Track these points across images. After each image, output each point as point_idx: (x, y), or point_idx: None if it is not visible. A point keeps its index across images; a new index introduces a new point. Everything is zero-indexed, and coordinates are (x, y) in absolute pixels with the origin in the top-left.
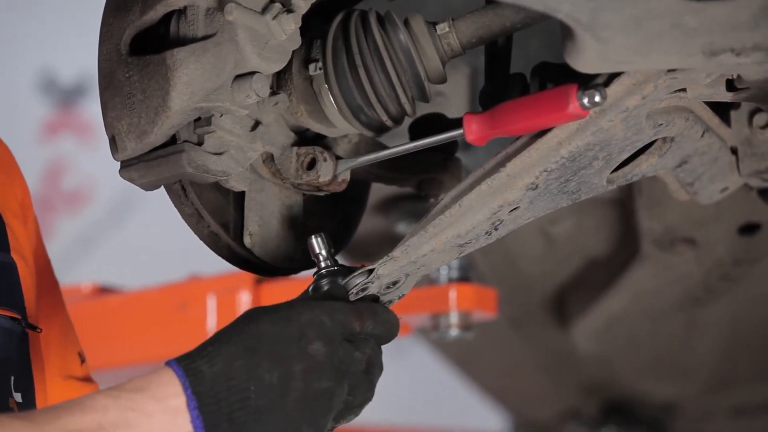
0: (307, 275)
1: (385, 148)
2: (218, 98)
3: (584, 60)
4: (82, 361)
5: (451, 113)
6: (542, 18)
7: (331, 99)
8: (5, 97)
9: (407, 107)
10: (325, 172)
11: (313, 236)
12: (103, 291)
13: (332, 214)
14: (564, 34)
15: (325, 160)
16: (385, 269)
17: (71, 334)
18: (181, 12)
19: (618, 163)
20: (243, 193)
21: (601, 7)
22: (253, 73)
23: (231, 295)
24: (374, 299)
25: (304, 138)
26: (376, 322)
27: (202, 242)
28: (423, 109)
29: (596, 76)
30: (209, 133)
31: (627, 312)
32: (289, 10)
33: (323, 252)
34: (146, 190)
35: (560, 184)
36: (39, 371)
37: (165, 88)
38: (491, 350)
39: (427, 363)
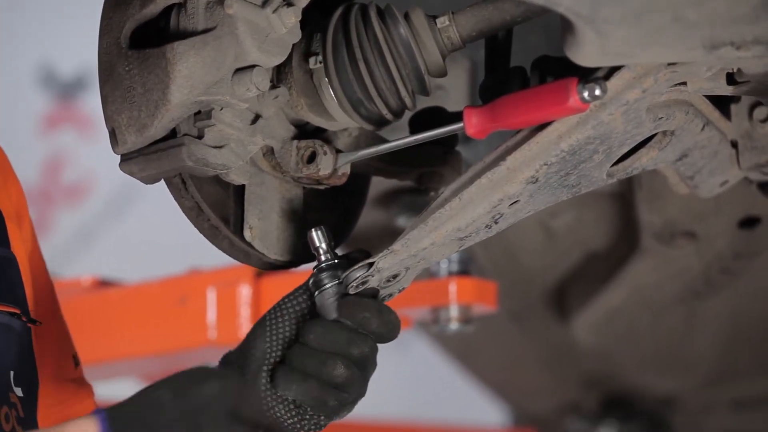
0: (308, 269)
1: (385, 141)
2: (218, 91)
3: (584, 53)
4: (77, 364)
5: (451, 107)
6: (542, 11)
7: (331, 92)
8: (5, 91)
9: (407, 101)
10: (325, 165)
11: (313, 229)
12: (103, 284)
13: (332, 207)
14: (564, 27)
15: (325, 153)
16: (385, 262)
17: (66, 338)
18: (181, 5)
19: (618, 157)
20: (243, 186)
21: (602, 0)
22: (253, 66)
23: (231, 289)
24: (374, 293)
25: (304, 131)
26: (380, 322)
27: (202, 236)
28: (423, 102)
29: (596, 69)
30: (209, 126)
31: (627, 305)
32: (289, 4)
33: (323, 245)
34: (146, 183)
35: (560, 177)
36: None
37: (165, 81)
38: (491, 344)
39: (427, 356)
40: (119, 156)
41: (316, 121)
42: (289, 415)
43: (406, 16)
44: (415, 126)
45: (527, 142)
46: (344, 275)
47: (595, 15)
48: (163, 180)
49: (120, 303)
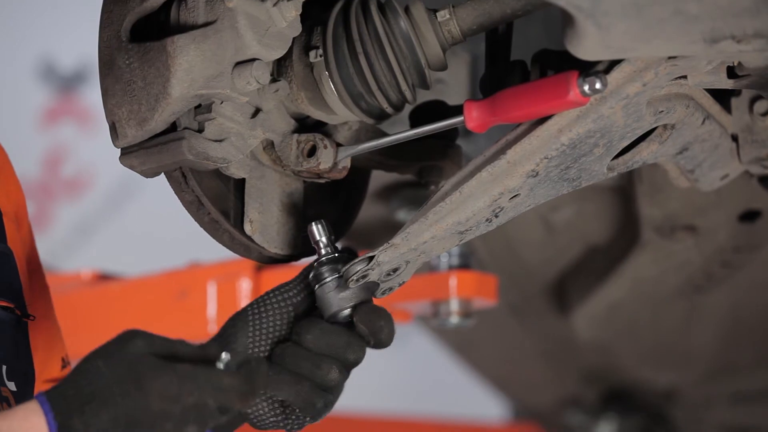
0: (308, 262)
1: (386, 135)
2: (218, 85)
3: (585, 47)
4: (64, 366)
5: (452, 100)
6: (543, 5)
7: (332, 86)
8: (5, 84)
9: (408, 94)
10: (325, 159)
11: (313, 223)
12: (103, 278)
13: (332, 201)
14: (565, 21)
15: (325, 147)
16: (386, 256)
17: (57, 339)
18: None
19: (618, 150)
20: (243, 180)
21: None
22: (253, 60)
23: (231, 282)
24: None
25: (305, 125)
26: (389, 331)
27: (202, 229)
28: (423, 96)
29: (597, 63)
30: (209, 120)
31: (627, 299)
32: None
33: (323, 239)
34: (146, 177)
35: (561, 171)
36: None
37: (165, 75)
38: (491, 337)
39: (427, 350)
40: (119, 150)
41: (317, 114)
42: (272, 414)
43: (407, 10)
44: (416, 119)
45: (528, 135)
46: (344, 269)
47: (595, 8)
48: (163, 174)
49: (120, 297)
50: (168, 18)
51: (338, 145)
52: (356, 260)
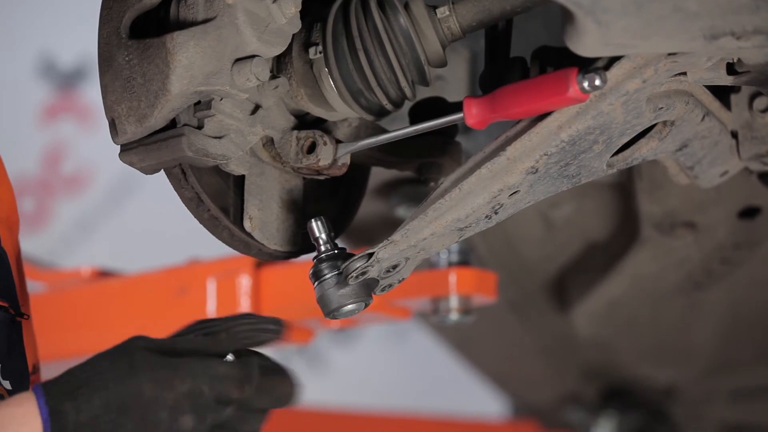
0: (307, 259)
1: (385, 132)
2: (218, 82)
3: (584, 44)
4: (34, 371)
5: (451, 97)
6: (542, 1)
7: (331, 83)
8: (5, 81)
9: (407, 91)
10: (325, 155)
11: (312, 220)
12: (103, 275)
13: (332, 198)
14: (564, 18)
15: (325, 143)
16: (385, 253)
17: (31, 347)
18: None
19: (618, 147)
20: (243, 177)
21: None
22: (253, 56)
23: (231, 279)
24: (373, 281)
25: (304, 122)
26: (270, 397)
27: (201, 226)
28: (423, 92)
29: (596, 59)
30: (209, 116)
31: (627, 296)
32: None
33: (323, 236)
34: (146, 173)
35: (560, 167)
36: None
37: (165, 71)
38: (491, 334)
39: (426, 347)
40: (119, 146)
41: (316, 111)
42: None
43: (406, 6)
44: (415, 116)
45: (527, 132)
46: (344, 266)
47: (595, 5)
48: (163, 170)
49: (119, 293)
50: (167, 14)
51: (338, 141)
52: (356, 257)
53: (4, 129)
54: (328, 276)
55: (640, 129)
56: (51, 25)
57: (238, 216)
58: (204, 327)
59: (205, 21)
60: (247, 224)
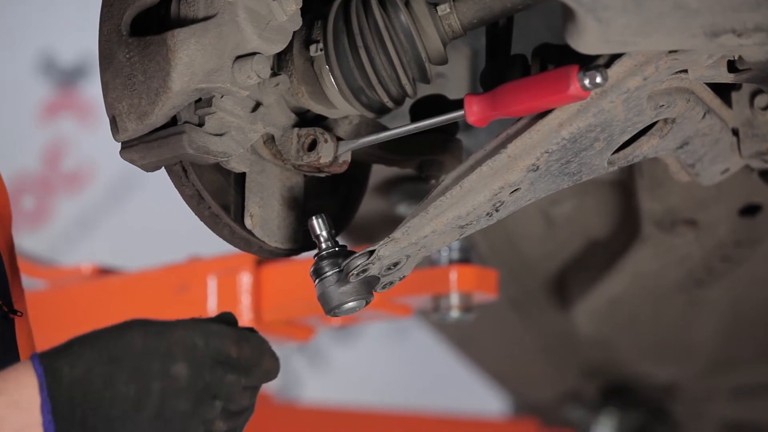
0: (308, 257)
1: (386, 129)
2: (219, 79)
3: (585, 41)
4: None
5: (452, 94)
6: None
7: (332, 80)
8: (5, 78)
9: (408, 88)
10: (325, 153)
11: (313, 217)
12: (103, 272)
13: (333, 195)
14: (565, 15)
15: (326, 141)
16: (386, 250)
17: (32, 340)
18: None
19: (619, 145)
20: (244, 174)
21: None
22: (254, 54)
23: (232, 277)
24: (373, 278)
25: (305, 119)
26: (258, 371)
27: (202, 223)
28: (424, 90)
29: (597, 57)
30: (210, 114)
31: (628, 293)
32: None
33: (324, 233)
34: (147, 171)
35: (561, 165)
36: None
37: (166, 69)
38: (492, 332)
39: (427, 344)
40: (120, 144)
41: (317, 108)
42: None
43: (407, 4)
44: (416, 114)
45: (528, 129)
46: (345, 263)
47: (595, 3)
48: (163, 168)
49: (120, 291)
50: (168, 12)
51: (339, 139)
52: (357, 254)
53: (5, 126)
54: (328, 273)
55: (641, 126)
56: (51, 23)
57: (238, 213)
58: None
59: (206, 18)
60: (247, 221)
